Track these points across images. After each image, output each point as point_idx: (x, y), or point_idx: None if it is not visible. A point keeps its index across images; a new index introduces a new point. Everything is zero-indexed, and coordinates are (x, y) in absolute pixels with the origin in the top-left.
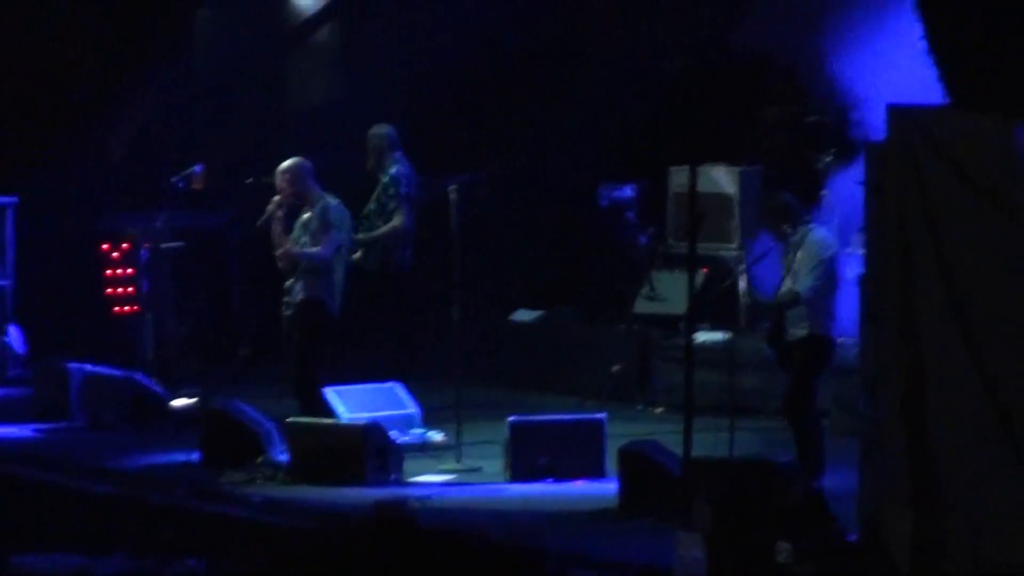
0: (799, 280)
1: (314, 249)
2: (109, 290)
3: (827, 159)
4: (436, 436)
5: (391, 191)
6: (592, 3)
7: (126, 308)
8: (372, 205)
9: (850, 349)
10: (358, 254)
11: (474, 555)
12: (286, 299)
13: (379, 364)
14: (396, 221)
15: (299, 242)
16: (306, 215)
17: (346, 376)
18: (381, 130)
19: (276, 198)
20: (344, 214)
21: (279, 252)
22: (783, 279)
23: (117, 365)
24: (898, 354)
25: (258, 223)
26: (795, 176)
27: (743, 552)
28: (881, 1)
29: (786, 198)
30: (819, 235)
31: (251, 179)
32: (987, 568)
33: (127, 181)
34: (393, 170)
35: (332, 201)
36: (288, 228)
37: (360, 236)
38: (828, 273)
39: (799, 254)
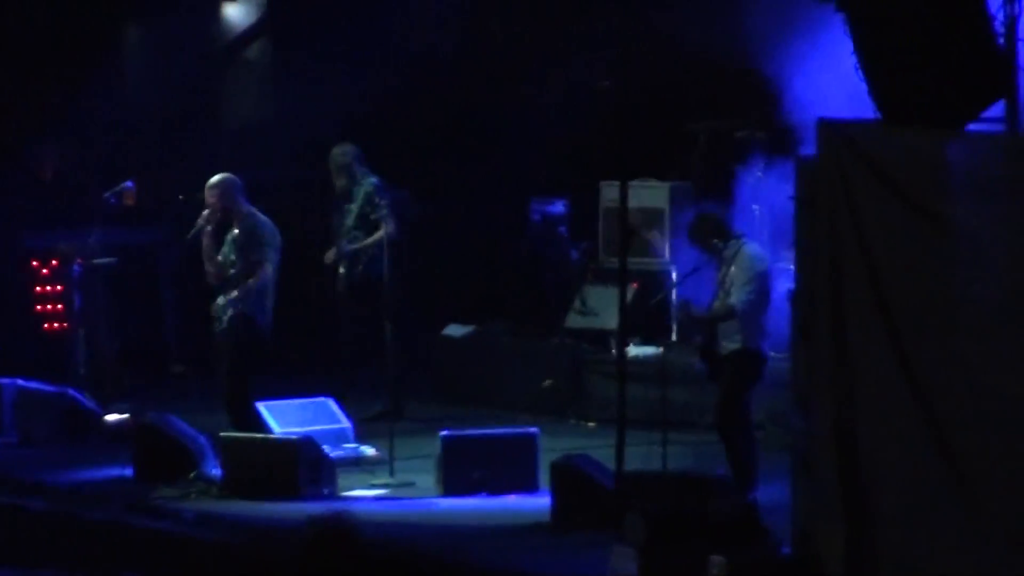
0: (732, 294)
1: (266, 269)
2: (39, 307)
3: (758, 174)
4: (369, 451)
5: (375, 200)
6: (523, 21)
7: (56, 325)
8: (350, 220)
9: (783, 364)
10: (341, 268)
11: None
12: (216, 314)
13: (311, 379)
14: (385, 229)
15: (227, 258)
16: (235, 231)
17: (278, 391)
18: (346, 147)
19: (205, 212)
20: (274, 231)
21: (208, 267)
22: (716, 293)
23: (49, 381)
24: (830, 369)
25: (188, 236)
26: (725, 191)
27: (677, 566)
28: (813, 15)
29: (716, 213)
30: (751, 250)
31: (183, 196)
32: None
33: (59, 197)
34: (372, 180)
35: (262, 218)
36: (217, 243)
37: (352, 247)
38: (761, 288)
39: (732, 269)
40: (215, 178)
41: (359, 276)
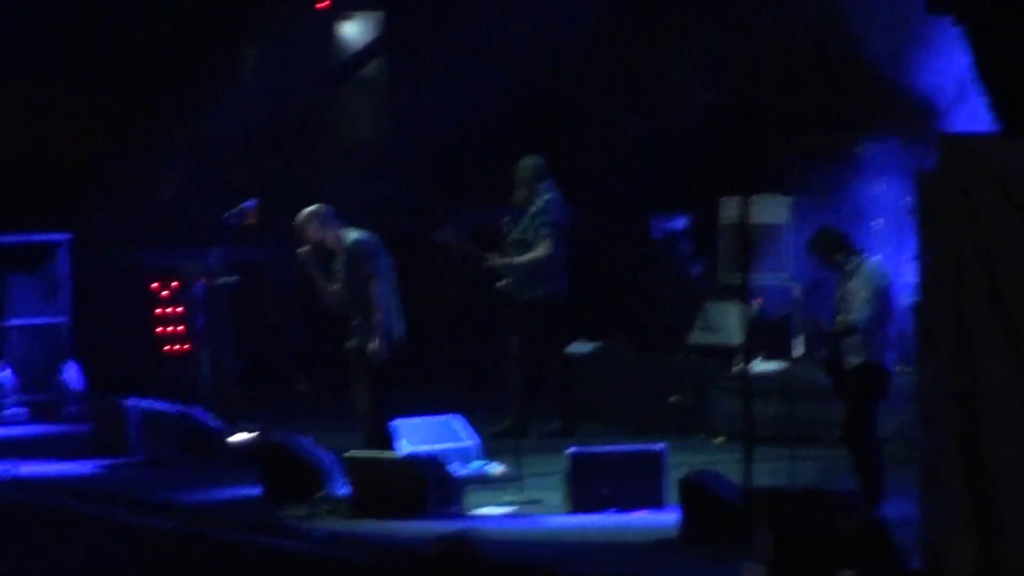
0: (854, 310)
1: (376, 290)
2: (159, 329)
3: (879, 187)
4: (496, 468)
5: (541, 219)
6: (642, 36)
7: (176, 347)
8: (516, 234)
9: (909, 378)
10: (503, 282)
11: None
12: (352, 332)
13: (438, 396)
14: (540, 250)
15: (344, 286)
16: (340, 257)
17: (406, 409)
18: (531, 161)
19: (305, 248)
20: (374, 244)
21: (326, 300)
22: (837, 308)
23: (174, 401)
24: (954, 382)
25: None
26: (846, 205)
27: None
28: (931, 31)
29: (836, 228)
30: (872, 265)
31: None
32: None
33: (179, 218)
34: (546, 197)
35: (356, 235)
36: (327, 270)
37: (497, 262)
38: (882, 302)
39: (853, 283)
40: (305, 213)
41: (521, 292)
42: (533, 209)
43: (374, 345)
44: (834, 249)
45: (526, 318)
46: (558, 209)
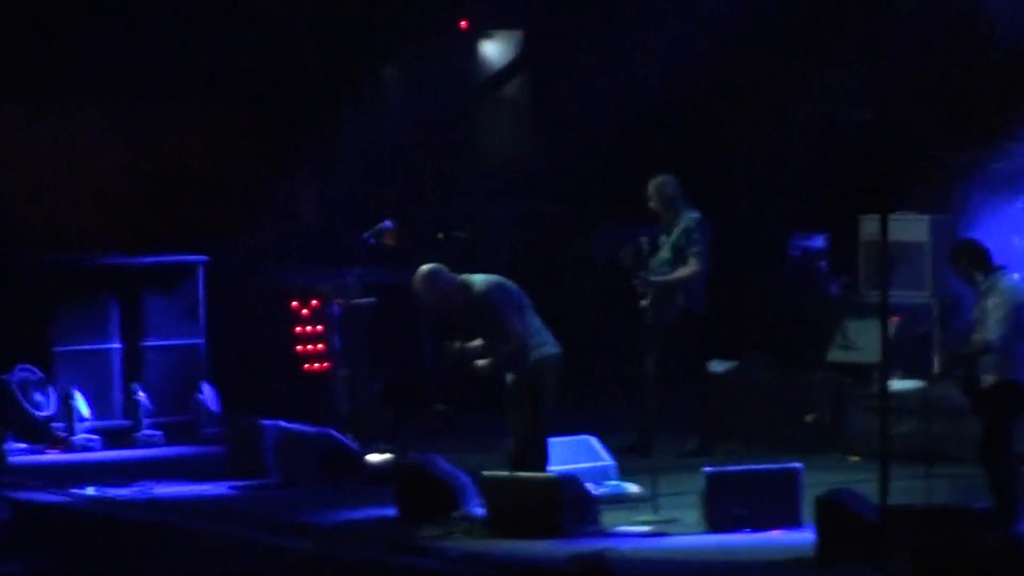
0: (989, 327)
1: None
2: (299, 348)
3: (1019, 204)
4: (632, 488)
5: (694, 235)
6: (781, 53)
7: (316, 365)
8: (665, 252)
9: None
10: (646, 300)
11: None
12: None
13: (576, 415)
14: (694, 265)
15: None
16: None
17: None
18: (669, 178)
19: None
20: (496, 289)
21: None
22: (974, 326)
23: (310, 421)
24: None
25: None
26: (986, 222)
27: None
28: None
29: (973, 243)
30: (1008, 281)
31: (442, 234)
32: None
33: (318, 237)
34: (693, 215)
35: (479, 287)
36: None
37: (655, 279)
38: (1017, 320)
39: (989, 301)
40: (419, 276)
41: (676, 310)
42: (680, 227)
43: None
44: (973, 263)
45: (673, 335)
46: (704, 227)
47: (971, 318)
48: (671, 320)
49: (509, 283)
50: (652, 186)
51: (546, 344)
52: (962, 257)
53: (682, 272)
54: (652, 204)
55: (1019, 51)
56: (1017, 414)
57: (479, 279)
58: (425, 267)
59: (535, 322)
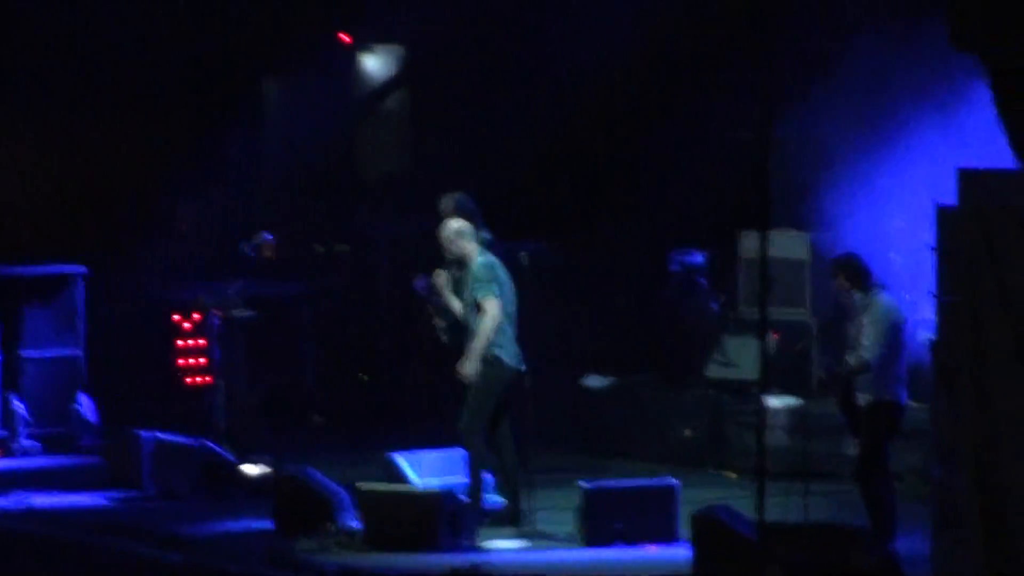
0: (866, 347)
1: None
2: (181, 360)
3: (898, 223)
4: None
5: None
6: (660, 73)
7: (198, 378)
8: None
9: (922, 414)
10: (443, 323)
11: None
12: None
13: (447, 429)
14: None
15: (468, 302)
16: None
17: (419, 441)
18: (452, 198)
19: (442, 272)
20: (493, 269)
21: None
22: (851, 344)
23: (188, 433)
24: (972, 420)
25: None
26: (866, 240)
27: None
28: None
29: (854, 260)
30: (884, 300)
31: (321, 247)
32: None
33: (198, 251)
34: (483, 235)
35: (483, 258)
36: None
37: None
38: (893, 339)
39: (865, 319)
40: (451, 226)
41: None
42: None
43: (465, 365)
44: (852, 279)
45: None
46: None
47: (849, 336)
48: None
49: (508, 283)
50: (443, 206)
51: (507, 350)
52: (841, 273)
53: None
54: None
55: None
56: (893, 433)
57: (486, 255)
58: (458, 220)
59: (509, 331)
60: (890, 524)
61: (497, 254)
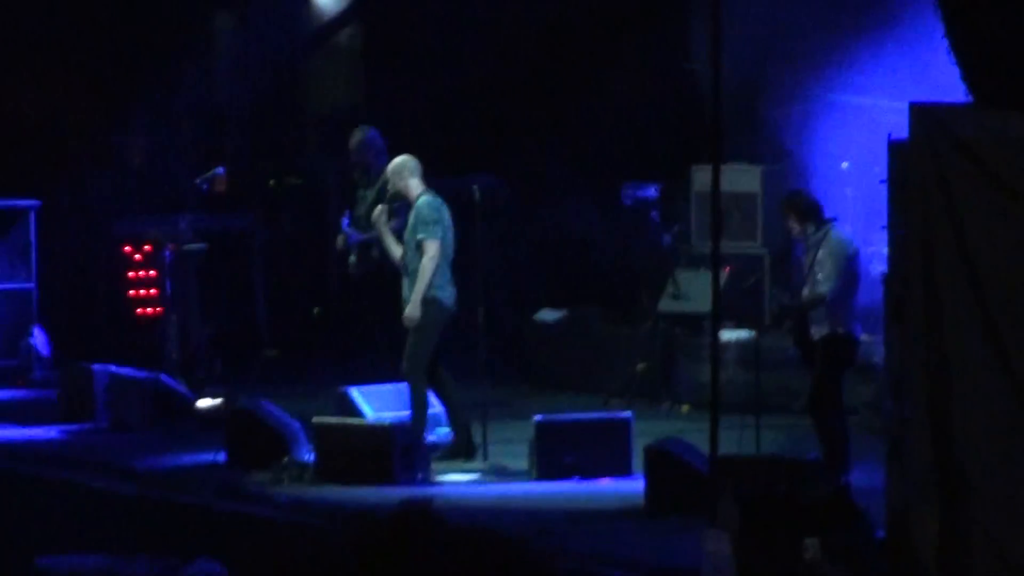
0: (822, 281)
1: (425, 257)
2: (132, 292)
3: (844, 165)
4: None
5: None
6: (614, 2)
7: (149, 310)
8: (363, 209)
9: (875, 347)
10: (352, 256)
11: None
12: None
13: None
14: (395, 220)
15: (410, 243)
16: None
17: (374, 375)
18: (361, 133)
19: (383, 207)
20: (437, 208)
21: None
22: (804, 278)
23: (141, 366)
24: (923, 352)
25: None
26: (817, 173)
27: (771, 549)
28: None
29: (805, 195)
30: (839, 234)
31: (272, 181)
32: (1014, 565)
33: (149, 184)
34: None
35: (426, 196)
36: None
37: (362, 238)
38: (849, 273)
39: (820, 253)
40: (396, 160)
41: (373, 264)
42: (381, 179)
43: (413, 312)
44: (805, 214)
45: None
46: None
47: (801, 270)
48: (368, 271)
49: (450, 225)
50: (353, 141)
51: (446, 291)
52: (793, 208)
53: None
54: (354, 158)
55: None
56: (847, 366)
57: (430, 193)
58: (406, 156)
59: (448, 273)
60: (843, 456)
61: (449, 188)
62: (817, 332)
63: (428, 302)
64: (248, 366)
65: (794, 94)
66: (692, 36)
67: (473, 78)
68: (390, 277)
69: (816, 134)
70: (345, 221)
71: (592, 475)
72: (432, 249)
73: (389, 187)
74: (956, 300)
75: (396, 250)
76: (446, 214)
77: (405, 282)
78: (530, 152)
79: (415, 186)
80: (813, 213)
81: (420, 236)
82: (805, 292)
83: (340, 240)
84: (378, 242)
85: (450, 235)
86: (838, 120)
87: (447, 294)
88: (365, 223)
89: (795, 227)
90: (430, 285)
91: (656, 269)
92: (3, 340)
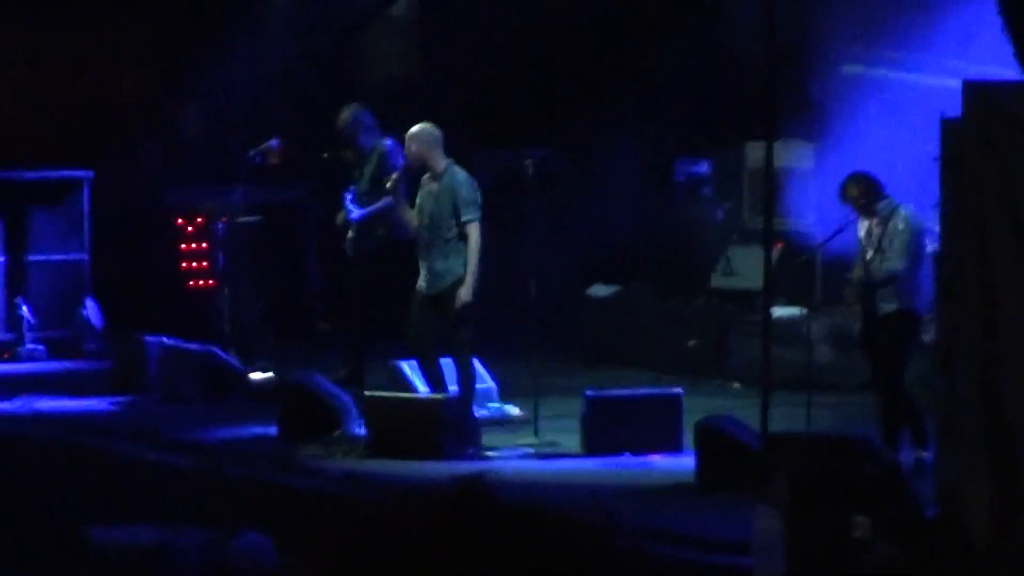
0: (892, 257)
1: (474, 237)
2: (184, 264)
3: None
4: (513, 411)
5: (387, 163)
6: None
7: (201, 282)
8: (363, 184)
9: (927, 325)
10: (350, 233)
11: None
12: (428, 272)
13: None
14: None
15: (425, 211)
16: (433, 185)
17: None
18: (350, 110)
19: (395, 175)
20: (476, 187)
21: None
22: (870, 254)
23: (193, 339)
24: (975, 329)
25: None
26: (872, 152)
27: (821, 526)
28: None
29: (867, 176)
30: (908, 210)
31: (326, 154)
32: None
33: (202, 156)
34: (386, 142)
35: (463, 175)
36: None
37: (362, 213)
38: (920, 248)
39: (887, 229)
40: (414, 128)
41: (373, 242)
42: (376, 154)
43: (468, 294)
44: (872, 192)
45: (375, 266)
46: (398, 153)
47: (864, 247)
48: (370, 251)
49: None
50: (342, 120)
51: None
52: (856, 189)
53: (382, 203)
54: (344, 135)
55: None
56: (913, 343)
57: (464, 171)
58: (425, 124)
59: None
60: (922, 430)
61: (503, 161)
62: (883, 308)
63: (465, 282)
64: (301, 339)
65: (843, 71)
66: (744, 13)
67: (528, 51)
68: (392, 255)
69: (867, 112)
70: (348, 197)
71: (642, 451)
72: (476, 232)
73: (407, 155)
74: (1008, 277)
75: (414, 219)
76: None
77: (425, 254)
78: (583, 126)
79: (439, 156)
80: (878, 191)
81: (466, 218)
82: (874, 268)
83: (340, 217)
84: (382, 218)
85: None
86: (889, 98)
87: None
88: (367, 200)
89: (860, 204)
90: (467, 263)
91: (708, 245)
92: (56, 311)
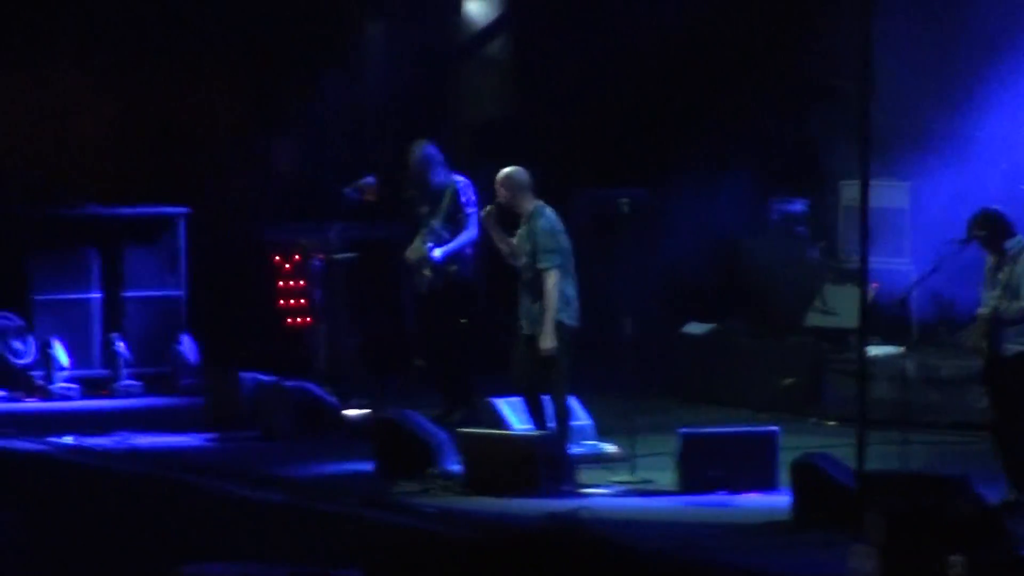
0: (1023, 296)
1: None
2: (281, 302)
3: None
4: (609, 448)
5: (459, 199)
6: (766, 20)
7: (298, 320)
8: (437, 220)
9: None
10: (426, 271)
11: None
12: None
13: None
14: (472, 228)
15: (520, 253)
16: (523, 228)
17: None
18: (421, 146)
19: (490, 207)
20: (557, 229)
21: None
22: (998, 293)
23: (288, 375)
24: None
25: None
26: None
27: (916, 565)
28: None
29: (997, 211)
30: None
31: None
32: None
33: (298, 192)
34: (458, 179)
35: (543, 219)
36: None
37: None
38: None
39: (1017, 268)
40: (503, 172)
41: (442, 279)
42: (448, 191)
43: (546, 343)
44: (1000, 230)
45: (443, 302)
46: (471, 188)
47: (988, 283)
48: (438, 286)
49: (567, 241)
50: (412, 157)
51: (568, 312)
52: (986, 226)
53: (461, 238)
54: (414, 173)
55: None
56: None
57: (550, 213)
58: (513, 168)
59: (568, 290)
60: None
61: (599, 200)
62: (1008, 348)
63: (554, 327)
64: (396, 376)
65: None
66: (840, 51)
67: (622, 90)
68: (462, 292)
69: (964, 150)
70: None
71: (738, 489)
72: (551, 280)
73: (500, 199)
74: None
75: (506, 248)
76: (562, 238)
77: (523, 294)
78: (678, 165)
79: (527, 200)
80: (1007, 228)
81: (541, 265)
82: (1004, 306)
83: (418, 253)
84: (456, 255)
85: (568, 251)
86: (987, 136)
87: (568, 314)
88: (444, 237)
89: (985, 240)
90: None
91: (803, 284)
92: (152, 346)
